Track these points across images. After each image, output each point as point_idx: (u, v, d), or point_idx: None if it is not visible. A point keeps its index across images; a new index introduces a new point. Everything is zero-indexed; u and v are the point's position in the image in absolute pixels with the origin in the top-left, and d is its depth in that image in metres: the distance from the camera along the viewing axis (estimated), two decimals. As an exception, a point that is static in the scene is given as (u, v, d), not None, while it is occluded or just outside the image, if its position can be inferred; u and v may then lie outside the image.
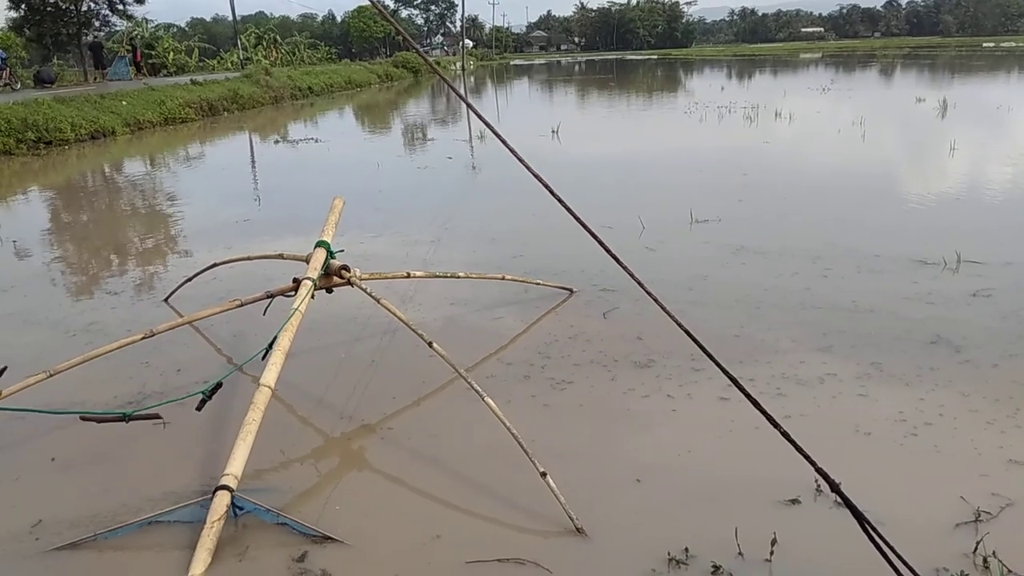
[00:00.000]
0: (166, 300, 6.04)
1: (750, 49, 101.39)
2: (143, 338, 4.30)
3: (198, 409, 3.38)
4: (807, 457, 2.00)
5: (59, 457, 3.79)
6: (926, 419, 3.83)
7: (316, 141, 17.87)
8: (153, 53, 40.59)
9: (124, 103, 21.74)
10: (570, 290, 5.89)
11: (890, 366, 4.43)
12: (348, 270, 4.55)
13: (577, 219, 2.26)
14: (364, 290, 4.39)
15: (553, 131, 16.39)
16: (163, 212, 10.58)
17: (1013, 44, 79.70)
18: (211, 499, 2.93)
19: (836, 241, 7.03)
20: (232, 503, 2.96)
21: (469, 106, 2.65)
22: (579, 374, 4.50)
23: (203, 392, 3.32)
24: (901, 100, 23.38)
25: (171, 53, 42.57)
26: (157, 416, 3.38)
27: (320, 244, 4.65)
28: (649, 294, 2.21)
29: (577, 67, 68.67)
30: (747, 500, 3.22)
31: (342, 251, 4.77)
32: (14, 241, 8.62)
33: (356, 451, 3.81)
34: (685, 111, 21.04)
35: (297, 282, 4.35)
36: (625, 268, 2.22)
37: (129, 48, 34.92)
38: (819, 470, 2.02)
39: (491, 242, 7.72)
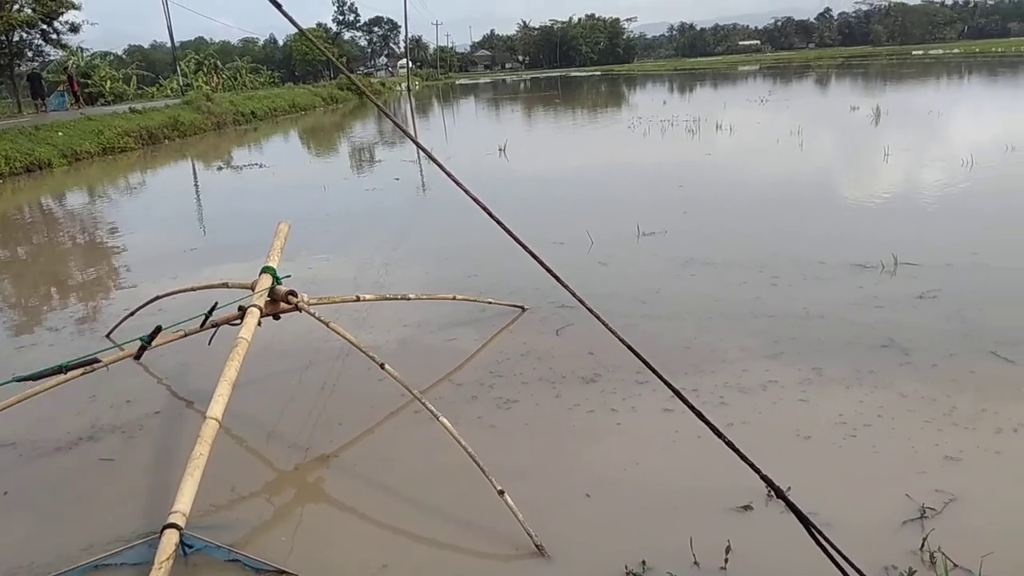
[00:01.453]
0: (108, 335, 5.89)
1: (690, 63, 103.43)
2: (82, 373, 4.17)
3: (136, 358, 3.26)
4: (751, 465, 2.04)
5: (-2, 503, 3.66)
6: (865, 421, 3.92)
7: (261, 166, 17.68)
8: (90, 82, 39.76)
9: (60, 134, 21.23)
10: (522, 308, 5.91)
11: (832, 371, 4.53)
12: (295, 295, 4.47)
13: (515, 239, 2.28)
14: (313, 315, 4.32)
15: (500, 149, 16.49)
16: (105, 244, 10.34)
17: (940, 51, 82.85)
18: (159, 538, 2.82)
19: (780, 250, 7.19)
20: (181, 541, 2.86)
21: (411, 137, 2.66)
22: (525, 392, 4.51)
23: (141, 338, 3.22)
24: (836, 109, 24.10)
25: (108, 82, 41.77)
26: (96, 360, 3.26)
27: (266, 270, 4.56)
28: (590, 310, 2.24)
29: (522, 85, 69.23)
30: (699, 509, 3.26)
31: (288, 276, 4.70)
32: (-54, 280, 8.33)
33: (308, 482, 3.76)
34: (629, 126, 21.36)
35: (243, 310, 4.25)
36: (564, 284, 2.25)
37: (65, 78, 34.18)
38: (764, 477, 2.06)
39: (444, 262, 7.72)
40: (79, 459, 4.12)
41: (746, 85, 43.94)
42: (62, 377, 4.09)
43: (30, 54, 34.02)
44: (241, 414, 4.38)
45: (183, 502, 2.91)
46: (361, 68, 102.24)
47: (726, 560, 2.87)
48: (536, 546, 3.01)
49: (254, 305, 4.25)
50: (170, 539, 2.79)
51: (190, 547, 2.94)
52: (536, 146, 19.53)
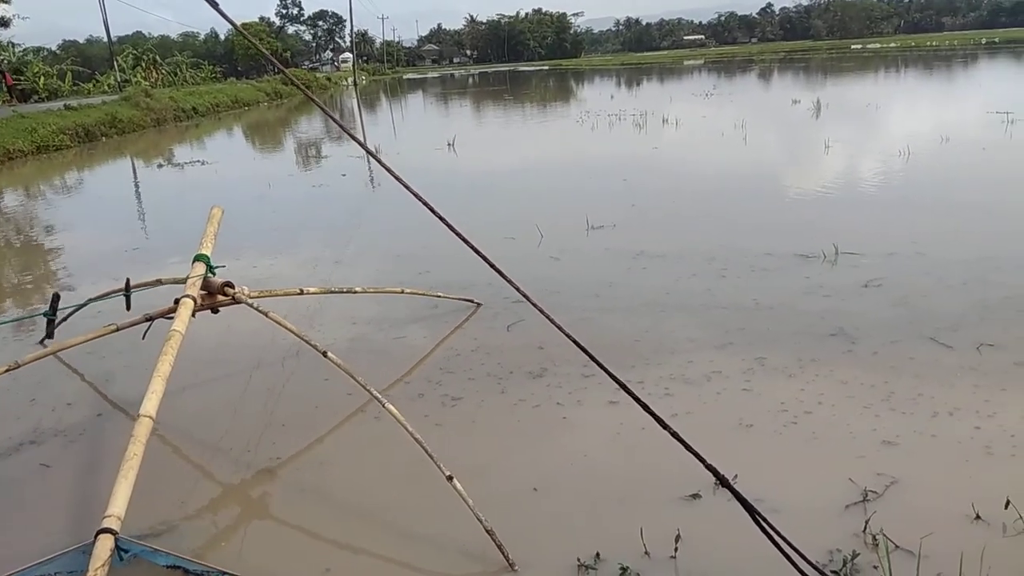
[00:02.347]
0: (41, 342, 5.67)
1: (637, 58, 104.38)
2: (7, 370, 3.99)
3: (49, 336, 3.13)
4: (697, 455, 2.07)
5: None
6: (805, 408, 4.01)
7: (203, 163, 17.30)
8: (22, 79, 38.37)
9: (-9, 132, 20.45)
10: (475, 303, 5.89)
11: (776, 360, 4.62)
12: (232, 287, 4.30)
13: (460, 236, 2.27)
14: (252, 306, 4.16)
15: (449, 144, 16.42)
16: (41, 245, 10.00)
17: (878, 45, 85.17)
18: (93, 544, 2.67)
19: (728, 242, 7.29)
20: (117, 547, 2.70)
21: (353, 137, 2.63)
22: (472, 389, 4.51)
23: (44, 313, 3.09)
24: (778, 102, 24.59)
25: (42, 78, 40.33)
26: None
27: (199, 258, 4.34)
28: (534, 304, 2.24)
29: (471, 79, 69.04)
30: (648, 500, 3.30)
31: (223, 267, 4.57)
32: None
33: (252, 488, 3.69)
34: (577, 120, 21.46)
35: (177, 302, 4.06)
36: (509, 280, 2.24)
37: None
38: (709, 467, 2.09)
39: (396, 259, 7.65)
40: (17, 465, 4.00)
41: (691, 79, 44.52)
42: None
43: (-43, 49, 32.71)
44: (186, 419, 4.29)
45: (117, 505, 2.77)
46: (306, 63, 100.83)
47: (676, 549, 2.91)
48: (487, 531, 2.95)
49: (187, 296, 4.06)
50: (104, 544, 2.65)
51: (126, 551, 2.78)
52: (485, 141, 19.50)
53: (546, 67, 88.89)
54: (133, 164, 19.91)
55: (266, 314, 4.03)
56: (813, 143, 13.76)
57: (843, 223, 7.81)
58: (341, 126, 2.69)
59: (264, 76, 63.56)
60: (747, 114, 18.84)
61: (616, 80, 49.79)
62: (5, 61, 38.72)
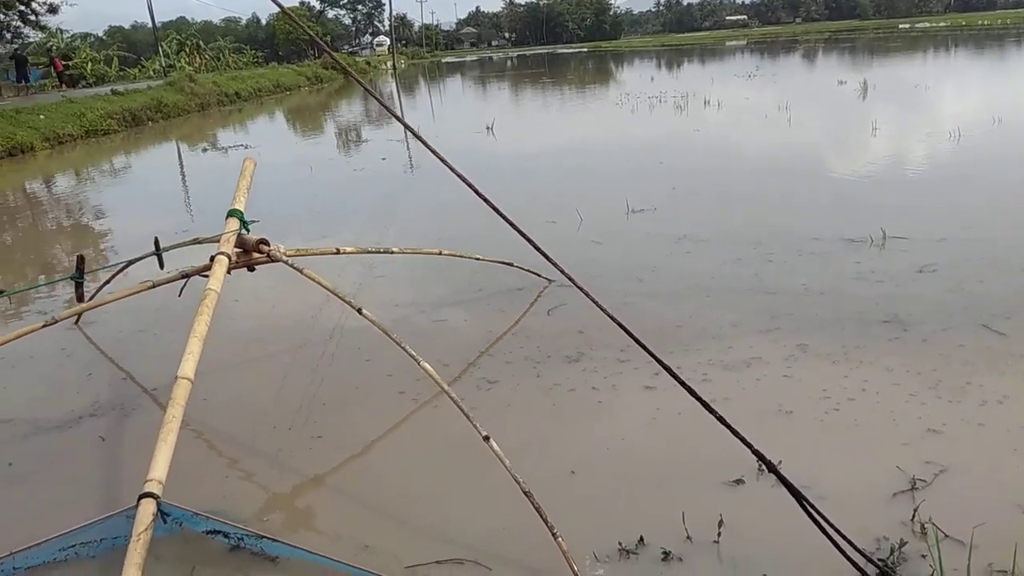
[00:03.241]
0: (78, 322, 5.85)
1: (677, 39, 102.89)
2: (45, 325, 4.10)
3: (79, 300, 3.18)
4: (743, 440, 2.05)
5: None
6: (849, 395, 3.93)
7: (246, 147, 17.51)
8: (70, 64, 39.17)
9: (42, 117, 20.94)
10: (511, 264, 5.79)
11: (820, 346, 4.54)
12: (267, 244, 4.24)
13: (504, 217, 2.27)
14: (287, 263, 4.09)
15: (488, 127, 16.39)
16: (91, 228, 10.24)
17: (927, 24, 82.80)
18: (136, 508, 2.67)
19: (773, 226, 7.17)
20: (159, 510, 2.69)
21: (397, 117, 2.64)
22: (507, 372, 4.51)
23: (72, 277, 3.13)
24: (824, 83, 24.06)
25: (90, 63, 41.12)
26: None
27: (232, 213, 4.26)
28: (572, 281, 2.23)
29: (509, 62, 68.73)
30: (688, 484, 3.28)
31: (256, 222, 4.49)
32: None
33: (293, 464, 3.74)
34: (616, 102, 21.26)
35: (213, 259, 4.02)
36: (551, 260, 2.24)
37: (47, 60, 33.75)
38: (756, 452, 2.07)
39: (437, 242, 7.65)
40: (74, 438, 4.15)
41: (734, 60, 43.79)
42: (14, 333, 4.06)
43: (8, 36, 33.47)
44: (230, 396, 4.39)
45: (158, 469, 2.77)
46: (345, 47, 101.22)
47: (719, 534, 2.89)
48: (524, 492, 2.82)
49: (222, 252, 4.02)
50: (147, 508, 2.65)
51: (168, 515, 2.76)
52: (524, 124, 19.44)
53: (585, 49, 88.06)
54: (178, 148, 20.25)
55: (301, 271, 3.99)
56: (860, 125, 13.45)
57: (891, 207, 7.63)
58: (389, 110, 2.70)
59: (304, 60, 64.05)
60: (791, 95, 18.46)
61: (656, 62, 49.20)
62: (55, 47, 39.57)
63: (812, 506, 2.01)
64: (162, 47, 45.20)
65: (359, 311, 3.66)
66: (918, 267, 5.76)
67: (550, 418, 3.99)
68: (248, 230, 4.33)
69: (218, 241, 4.25)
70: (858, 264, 5.94)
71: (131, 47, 55.76)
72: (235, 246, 4.20)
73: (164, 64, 42.50)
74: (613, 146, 13.60)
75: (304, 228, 8.46)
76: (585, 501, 3.23)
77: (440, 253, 5.71)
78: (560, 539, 2.74)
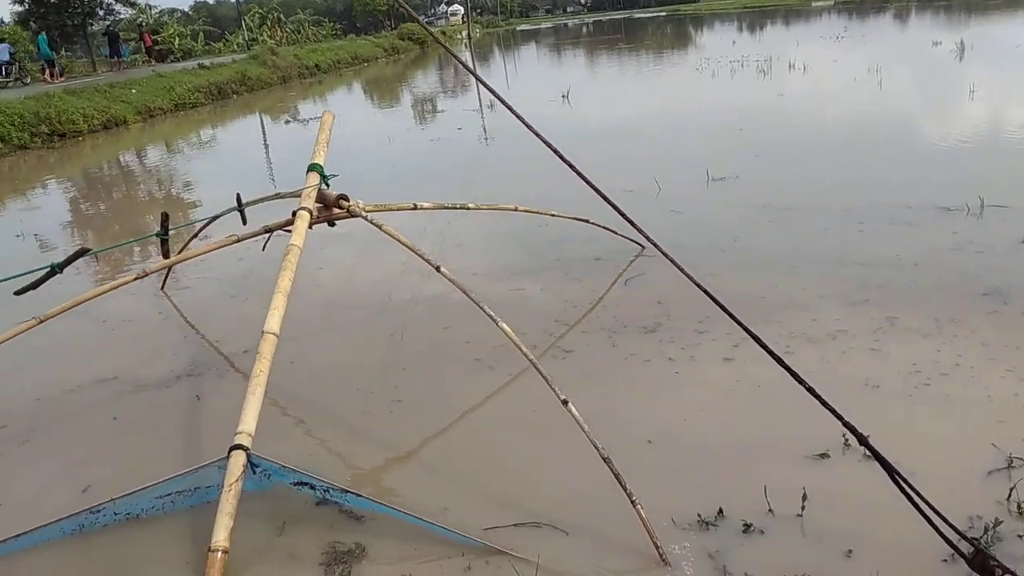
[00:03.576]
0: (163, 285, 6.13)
1: (760, 0, 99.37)
2: (136, 278, 4.30)
3: (164, 256, 3.35)
4: (833, 411, 2.00)
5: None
6: (941, 370, 3.77)
7: (326, 119, 17.82)
8: (159, 39, 40.54)
9: (134, 91, 21.78)
10: (587, 220, 5.73)
11: (911, 319, 4.36)
12: (347, 199, 4.26)
13: (586, 181, 2.25)
14: (366, 219, 4.12)
15: (564, 96, 16.22)
16: (181, 198, 10.64)
17: (1032, -20, 77.51)
18: (227, 459, 2.77)
19: (862, 193, 6.87)
20: (249, 462, 2.79)
21: (476, 77, 2.63)
22: (583, 342, 4.50)
23: (157, 233, 3.24)
24: (917, 44, 22.89)
25: (177, 38, 42.51)
26: (86, 250, 3.47)
27: (312, 168, 4.29)
28: (656, 246, 2.20)
29: (584, 29, 67.67)
30: (770, 457, 3.21)
31: (336, 176, 4.54)
32: (35, 235, 8.71)
33: (374, 426, 3.83)
34: (696, 68, 20.72)
35: (295, 214, 4.07)
36: (634, 224, 2.21)
37: (138, 35, 35.01)
38: (847, 424, 2.01)
39: (513, 214, 7.68)
40: (173, 396, 4.38)
41: (820, 22, 42.03)
42: (111, 284, 4.25)
43: (101, 13, 34.81)
44: (316, 359, 4.52)
45: (247, 422, 2.86)
46: (422, 17, 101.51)
47: (803, 507, 2.83)
48: (603, 459, 2.80)
49: (303, 208, 4.07)
50: (237, 460, 2.75)
51: (257, 467, 2.86)
52: (600, 92, 19.16)
53: (663, 13, 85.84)
54: (261, 120, 20.77)
55: (380, 227, 4.01)
56: (956, 88, 12.75)
57: (989, 174, 7.23)
58: (472, 72, 2.71)
59: (381, 32, 64.55)
60: (882, 57, 17.61)
61: (738, 25, 47.68)
62: (144, 23, 40.98)
63: (905, 480, 1.95)
64: (245, 21, 46.28)
65: (437, 268, 3.69)
66: (1021, 237, 5.45)
67: (626, 388, 3.97)
68: (328, 185, 4.36)
69: (299, 196, 4.31)
70: (955, 234, 5.66)
71: (216, 22, 57.33)
72: (316, 201, 4.25)
73: (247, 38, 43.55)
74: (692, 113, 13.29)
75: (385, 196, 8.56)
76: (662, 471, 3.20)
77: (516, 209, 5.68)
78: (639, 506, 2.74)
